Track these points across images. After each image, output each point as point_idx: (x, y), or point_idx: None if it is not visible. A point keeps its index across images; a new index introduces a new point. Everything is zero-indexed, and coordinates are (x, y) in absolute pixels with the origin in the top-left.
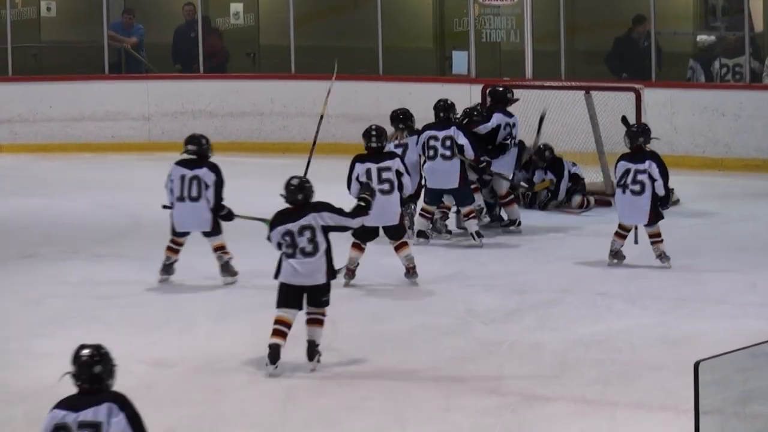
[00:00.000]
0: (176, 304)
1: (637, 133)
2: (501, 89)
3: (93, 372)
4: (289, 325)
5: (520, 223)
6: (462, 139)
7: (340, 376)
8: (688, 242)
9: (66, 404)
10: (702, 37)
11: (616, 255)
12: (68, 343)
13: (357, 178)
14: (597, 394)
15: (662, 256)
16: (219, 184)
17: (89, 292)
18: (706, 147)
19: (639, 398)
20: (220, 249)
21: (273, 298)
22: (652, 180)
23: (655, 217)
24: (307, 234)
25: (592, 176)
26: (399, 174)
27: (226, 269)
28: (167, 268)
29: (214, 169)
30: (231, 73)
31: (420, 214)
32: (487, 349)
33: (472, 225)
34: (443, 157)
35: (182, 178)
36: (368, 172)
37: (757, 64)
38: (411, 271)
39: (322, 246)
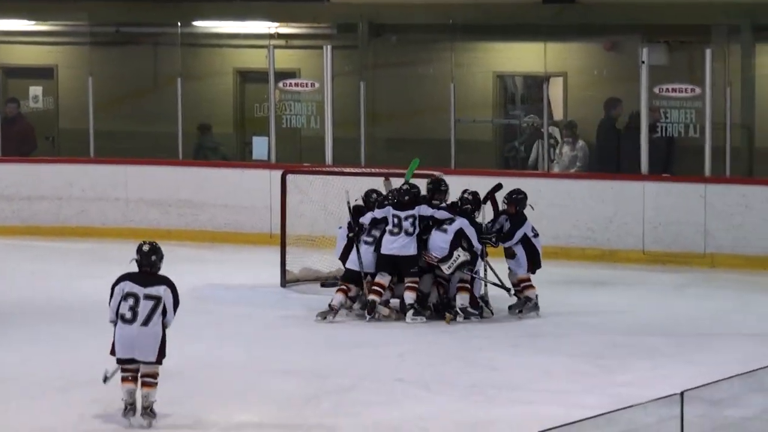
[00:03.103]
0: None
1: (525, 199)
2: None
3: (151, 259)
4: (384, 287)
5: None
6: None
7: None
8: (484, 329)
9: (133, 279)
10: (530, 117)
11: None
12: None
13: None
14: None
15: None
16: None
17: None
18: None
19: None
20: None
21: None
22: None
23: None
24: (410, 220)
25: None
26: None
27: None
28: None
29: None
30: (29, 157)
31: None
32: None
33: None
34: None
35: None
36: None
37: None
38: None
39: (416, 231)
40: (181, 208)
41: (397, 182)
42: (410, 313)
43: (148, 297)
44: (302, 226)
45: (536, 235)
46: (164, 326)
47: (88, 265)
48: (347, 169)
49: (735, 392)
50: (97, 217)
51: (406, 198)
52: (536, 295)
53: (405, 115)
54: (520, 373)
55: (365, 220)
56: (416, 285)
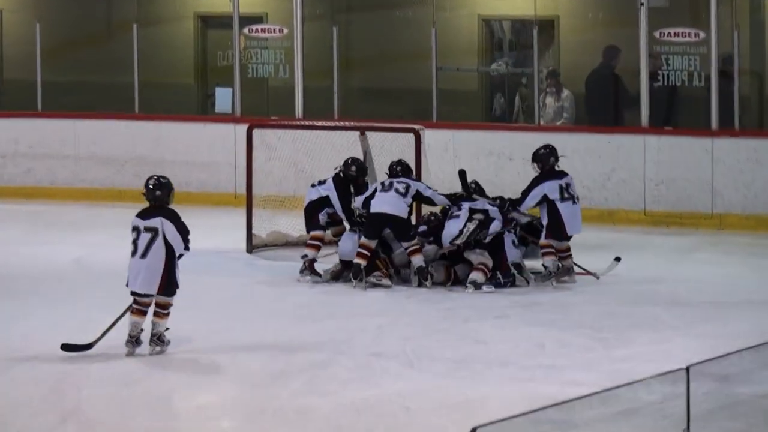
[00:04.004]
0: None
1: (549, 154)
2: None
3: (155, 194)
4: (371, 250)
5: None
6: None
7: None
8: (469, 299)
9: (140, 214)
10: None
11: (569, 271)
12: None
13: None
14: None
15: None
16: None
17: None
18: (492, 193)
19: None
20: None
21: None
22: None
23: None
24: (402, 185)
25: None
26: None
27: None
28: None
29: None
30: None
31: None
32: (248, 417)
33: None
34: None
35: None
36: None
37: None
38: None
39: (408, 197)
40: (137, 166)
41: (373, 136)
42: (430, 279)
43: (147, 229)
44: (270, 185)
45: (565, 198)
46: (168, 258)
47: (36, 230)
48: (319, 123)
49: (746, 367)
50: (45, 176)
51: (398, 169)
52: (556, 264)
53: (382, 63)
54: (509, 347)
55: (358, 203)
56: (419, 246)
